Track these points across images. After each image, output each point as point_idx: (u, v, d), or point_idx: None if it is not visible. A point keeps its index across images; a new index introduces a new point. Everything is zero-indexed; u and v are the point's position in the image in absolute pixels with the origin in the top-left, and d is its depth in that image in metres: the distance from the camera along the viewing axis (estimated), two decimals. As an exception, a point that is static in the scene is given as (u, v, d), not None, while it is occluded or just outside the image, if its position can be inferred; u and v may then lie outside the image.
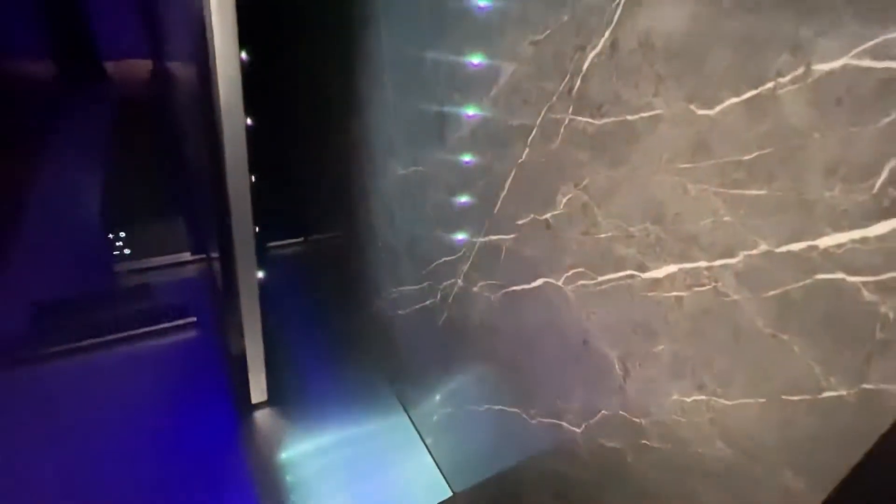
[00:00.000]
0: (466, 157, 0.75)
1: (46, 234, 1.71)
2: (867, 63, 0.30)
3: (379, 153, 1.05)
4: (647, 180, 0.46)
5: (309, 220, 1.76)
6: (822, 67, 0.32)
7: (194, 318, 1.42)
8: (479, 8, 0.66)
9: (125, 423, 1.12)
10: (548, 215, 0.59)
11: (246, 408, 1.18)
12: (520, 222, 0.65)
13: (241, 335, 1.09)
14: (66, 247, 1.65)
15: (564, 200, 0.57)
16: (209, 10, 0.75)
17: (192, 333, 1.41)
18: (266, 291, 1.09)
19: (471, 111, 0.73)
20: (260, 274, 1.07)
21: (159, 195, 1.75)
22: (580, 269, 0.57)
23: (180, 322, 1.40)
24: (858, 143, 0.32)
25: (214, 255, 1.32)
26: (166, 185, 1.82)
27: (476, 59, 0.69)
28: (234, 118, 0.85)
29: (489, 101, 0.67)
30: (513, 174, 0.65)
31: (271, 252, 1.78)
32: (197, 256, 1.70)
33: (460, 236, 0.80)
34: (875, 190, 0.31)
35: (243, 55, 0.78)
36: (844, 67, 0.31)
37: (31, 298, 1.39)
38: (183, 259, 1.68)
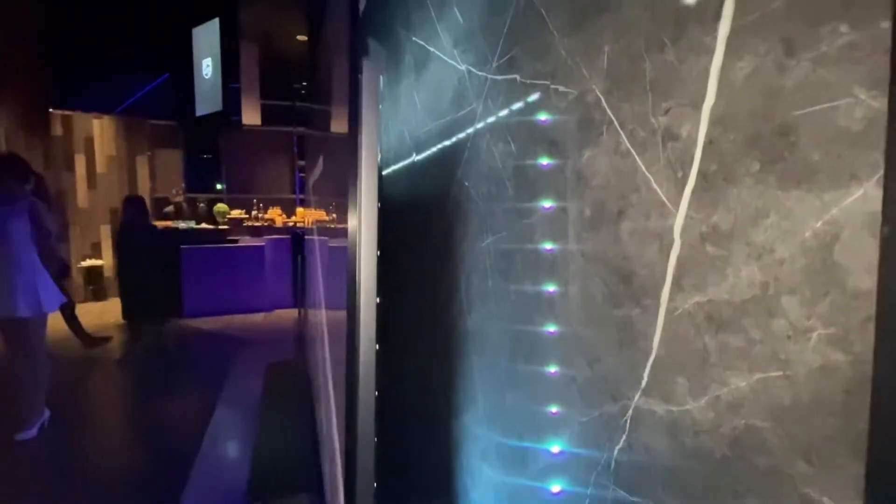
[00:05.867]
0: (547, 485, 0.91)
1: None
2: None
3: (475, 454, 1.24)
4: (674, 558, 0.59)
5: (419, 492, 1.89)
6: (754, 515, 0.48)
7: None
8: (550, 373, 0.91)
9: None
10: (611, 563, 0.71)
11: None
12: (591, 561, 0.76)
13: None
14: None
15: (621, 554, 0.68)
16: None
17: None
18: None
19: (545, 443, 0.92)
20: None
21: (296, 464, 2.03)
22: None
23: None
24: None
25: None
26: (301, 452, 2.11)
27: (549, 408, 0.90)
28: (365, 442, 1.11)
29: (556, 435, 0.86)
30: (580, 515, 0.78)
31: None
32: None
33: (547, 556, 0.90)
34: None
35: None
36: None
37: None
38: (306, 532, 1.85)
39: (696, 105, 0.50)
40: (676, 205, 0.53)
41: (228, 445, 2.43)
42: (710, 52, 0.48)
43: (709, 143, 0.49)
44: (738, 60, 0.45)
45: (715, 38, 0.47)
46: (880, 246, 0.33)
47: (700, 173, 0.50)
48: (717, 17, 0.47)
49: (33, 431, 4.35)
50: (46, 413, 4.54)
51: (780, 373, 0.44)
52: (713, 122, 0.48)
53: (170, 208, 9.10)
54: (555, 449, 0.90)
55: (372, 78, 0.90)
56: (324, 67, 3.74)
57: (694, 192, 0.51)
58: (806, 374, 0.42)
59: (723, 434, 0.50)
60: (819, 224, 0.39)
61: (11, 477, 3.44)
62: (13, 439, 4.24)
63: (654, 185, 0.56)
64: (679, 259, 0.54)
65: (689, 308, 0.53)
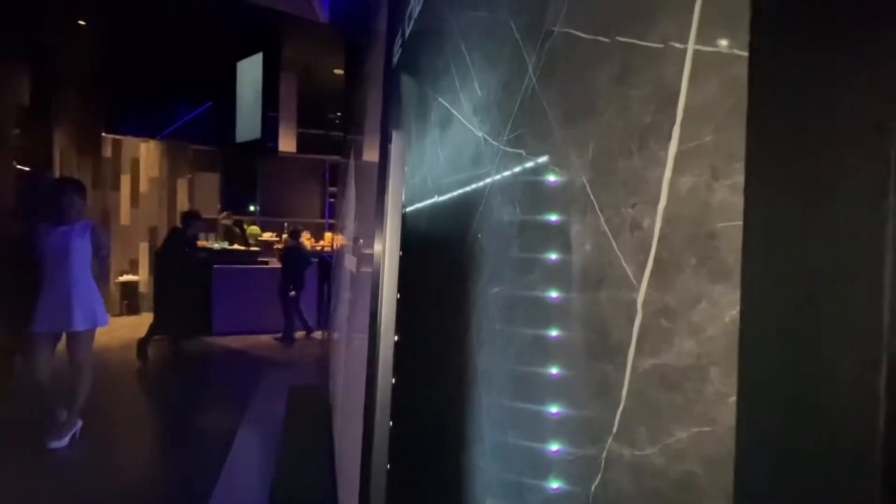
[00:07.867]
0: (537, 517, 0.99)
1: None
2: None
3: (480, 487, 1.33)
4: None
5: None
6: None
7: None
8: (545, 413, 1.01)
9: None
10: (588, 590, 0.79)
11: None
12: (573, 588, 0.84)
13: None
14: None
15: (596, 581, 0.77)
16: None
17: None
18: None
19: (540, 478, 1.01)
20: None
21: (314, 485, 2.12)
22: None
23: None
24: None
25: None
26: (318, 475, 2.21)
27: (553, 447, 1.00)
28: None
29: (550, 472, 0.95)
30: (565, 545, 0.87)
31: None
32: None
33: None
34: None
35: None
36: None
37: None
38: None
39: (654, 205, 0.62)
40: (640, 282, 0.64)
41: (250, 465, 2.55)
42: (664, 164, 0.60)
43: (662, 236, 0.61)
44: (682, 176, 0.58)
45: (667, 154, 0.60)
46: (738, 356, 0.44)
47: (656, 259, 0.62)
48: (669, 138, 0.59)
49: (65, 441, 4.57)
50: (79, 423, 4.76)
51: (710, 428, 0.54)
52: (665, 220, 0.60)
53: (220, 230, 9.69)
54: (551, 485, 0.99)
55: (399, 148, 1.04)
56: (358, 108, 3.98)
57: (652, 274, 0.62)
58: (727, 430, 0.52)
59: (671, 478, 0.60)
60: (734, 312, 0.50)
61: (43, 484, 3.61)
62: (46, 447, 4.45)
63: (624, 264, 0.67)
64: (641, 327, 0.65)
65: (648, 368, 0.64)
